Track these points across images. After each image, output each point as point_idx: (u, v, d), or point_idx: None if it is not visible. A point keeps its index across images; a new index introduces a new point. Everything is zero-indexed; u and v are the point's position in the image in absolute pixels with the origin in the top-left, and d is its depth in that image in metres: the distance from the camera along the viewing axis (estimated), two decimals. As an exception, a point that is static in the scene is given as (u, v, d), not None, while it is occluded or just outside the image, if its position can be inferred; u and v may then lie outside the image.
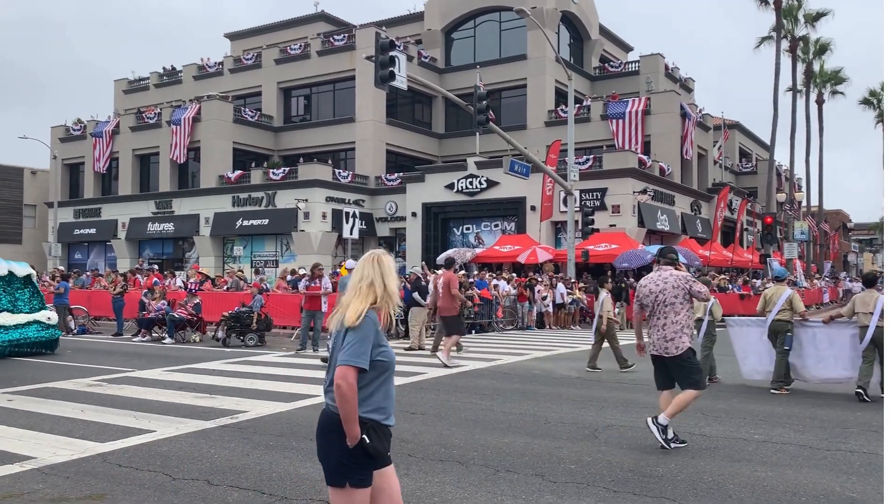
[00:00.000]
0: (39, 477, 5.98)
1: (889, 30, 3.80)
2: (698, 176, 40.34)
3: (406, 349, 15.47)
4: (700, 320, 11.14)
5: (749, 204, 42.05)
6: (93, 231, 43.38)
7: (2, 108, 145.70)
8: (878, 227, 72.35)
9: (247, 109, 42.27)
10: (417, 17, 45.01)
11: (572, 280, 25.94)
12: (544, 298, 23.80)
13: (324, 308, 16.13)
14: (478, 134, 33.87)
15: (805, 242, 46.90)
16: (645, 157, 33.77)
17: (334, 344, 3.41)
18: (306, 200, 35.25)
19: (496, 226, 34.79)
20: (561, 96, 39.26)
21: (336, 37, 41.70)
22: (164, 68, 48.66)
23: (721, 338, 11.62)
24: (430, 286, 16.36)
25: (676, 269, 7.35)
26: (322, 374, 11.82)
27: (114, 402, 9.37)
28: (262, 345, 16.99)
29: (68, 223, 44.08)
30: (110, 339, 19.03)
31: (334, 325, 3.43)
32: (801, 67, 46.63)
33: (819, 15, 44.33)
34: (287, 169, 37.41)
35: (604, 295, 13.43)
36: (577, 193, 28.34)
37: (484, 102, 21.08)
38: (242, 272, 26.70)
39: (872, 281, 10.46)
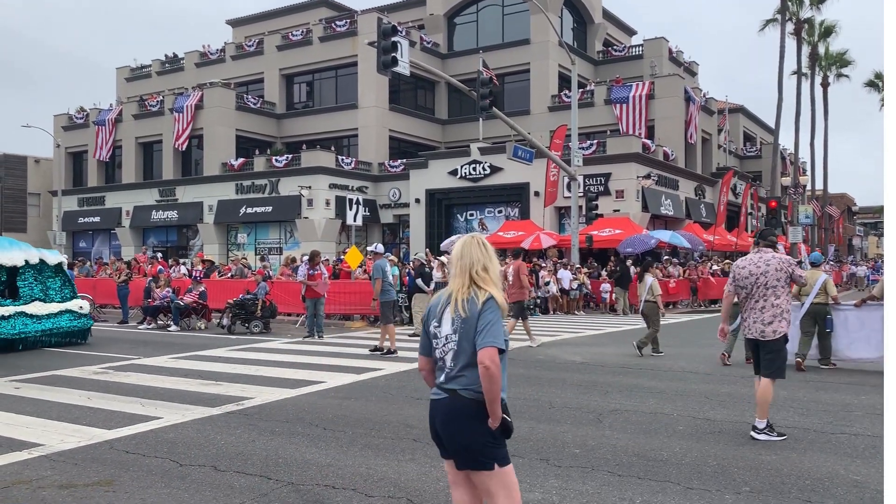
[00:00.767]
0: (48, 464, 6.03)
1: (889, 20, 3.75)
2: (702, 160, 40.17)
3: (410, 335, 15.53)
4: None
5: (753, 188, 41.88)
6: (97, 219, 43.47)
7: (2, 94, 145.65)
8: (883, 210, 72.04)
9: (249, 96, 42.17)
10: (420, 2, 44.71)
11: (577, 266, 25.94)
12: (547, 284, 23.83)
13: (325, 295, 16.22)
14: (481, 119, 33.73)
15: (810, 226, 46.76)
16: (649, 142, 33.64)
17: (443, 330, 3.39)
18: (310, 187, 35.24)
19: (500, 212, 34.75)
20: (564, 81, 39.07)
21: (338, 22, 41.50)
22: (165, 56, 48.51)
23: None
24: (500, 274, 16.56)
25: (776, 251, 7.16)
26: (321, 361, 11.88)
27: (120, 390, 9.42)
28: (268, 332, 17.04)
29: (72, 211, 44.14)
30: (116, 327, 19.11)
31: (451, 309, 3.39)
32: (806, 50, 46.35)
33: (825, -4, 43.98)
34: (290, 156, 37.37)
35: (650, 279, 13.60)
36: (580, 179, 28.26)
37: (487, 88, 20.99)
38: (246, 259, 26.74)
39: None
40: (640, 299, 13.93)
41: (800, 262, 35.12)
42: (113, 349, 13.95)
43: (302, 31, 42.52)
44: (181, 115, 39.79)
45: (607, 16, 47.21)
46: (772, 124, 43.49)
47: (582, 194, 28.05)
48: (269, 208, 36.69)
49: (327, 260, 24.89)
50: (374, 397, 8.88)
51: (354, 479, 5.57)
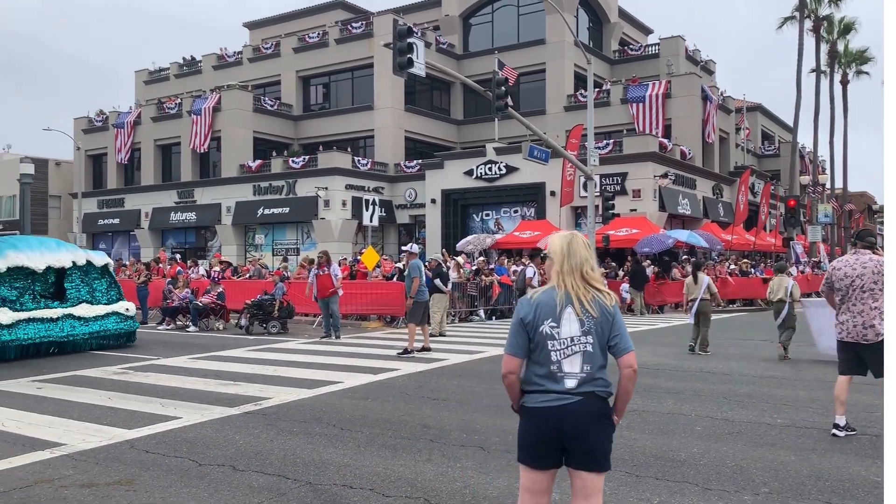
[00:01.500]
0: (70, 463, 6.10)
1: (889, 20, 3.70)
2: (720, 159, 39.89)
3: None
4: (782, 301, 12.47)
5: (772, 187, 41.51)
6: (116, 221, 43.90)
7: (26, 98, 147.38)
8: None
9: (266, 98, 42.41)
10: (435, 3, 44.80)
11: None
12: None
13: (339, 292, 16.25)
14: (497, 120, 33.68)
15: (829, 225, 46.31)
16: (666, 141, 33.44)
17: (565, 331, 3.34)
18: (326, 188, 35.39)
19: (516, 212, 34.70)
20: (580, 80, 38.95)
21: (354, 24, 41.64)
22: (183, 59, 48.91)
23: (731, 321, 11.55)
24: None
25: (875, 253, 6.98)
26: (338, 361, 11.92)
27: (140, 390, 9.51)
28: (285, 332, 17.13)
29: (92, 213, 44.59)
30: (135, 328, 19.26)
31: (577, 310, 3.35)
32: (824, 48, 45.78)
33: (843, -7, 43.49)
34: (307, 157, 37.55)
35: (706, 279, 13.83)
36: (597, 178, 28.10)
37: (503, 88, 20.96)
38: (263, 260, 26.89)
39: None
40: (687, 298, 13.87)
41: (819, 263, 34.86)
42: (133, 350, 14.10)
43: (318, 34, 42.71)
44: (199, 117, 40.10)
45: (623, 15, 47.01)
46: (790, 122, 43.08)
47: (598, 194, 27.91)
48: (287, 209, 36.88)
49: (345, 259, 24.97)
50: (392, 398, 8.90)
51: (372, 479, 5.59)
